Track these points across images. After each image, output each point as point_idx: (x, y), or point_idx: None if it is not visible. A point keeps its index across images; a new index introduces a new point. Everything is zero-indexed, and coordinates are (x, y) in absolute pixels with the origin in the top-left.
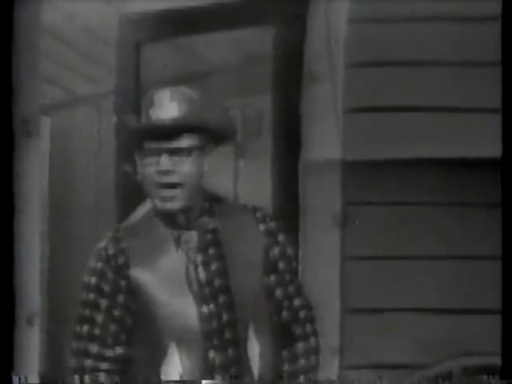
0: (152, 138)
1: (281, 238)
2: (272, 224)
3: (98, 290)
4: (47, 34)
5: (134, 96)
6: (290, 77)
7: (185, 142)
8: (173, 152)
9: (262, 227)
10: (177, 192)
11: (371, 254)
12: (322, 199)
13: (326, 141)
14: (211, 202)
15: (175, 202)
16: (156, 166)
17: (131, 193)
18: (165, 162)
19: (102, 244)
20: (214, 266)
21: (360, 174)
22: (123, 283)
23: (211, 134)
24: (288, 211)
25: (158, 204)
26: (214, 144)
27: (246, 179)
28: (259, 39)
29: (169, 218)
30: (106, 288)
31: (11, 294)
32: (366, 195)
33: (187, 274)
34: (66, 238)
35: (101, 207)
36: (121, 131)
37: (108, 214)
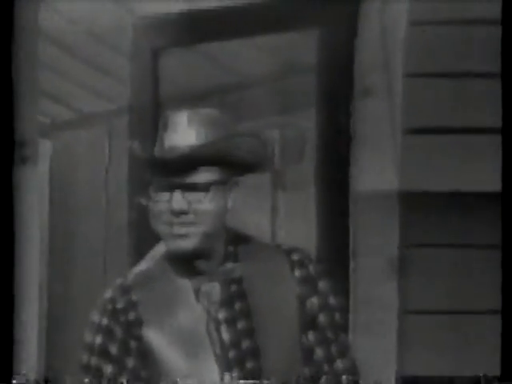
0: (163, 170)
1: (321, 285)
2: (310, 268)
3: (104, 352)
4: (49, 42)
5: (151, 114)
6: (338, 90)
7: (202, 176)
8: (188, 188)
9: (297, 273)
10: (191, 230)
11: (435, 308)
12: (376, 239)
13: (381, 168)
14: (236, 244)
15: (189, 240)
16: (168, 204)
17: (147, 231)
18: (178, 199)
19: (109, 295)
20: (240, 325)
21: (422, 208)
22: (134, 345)
23: (236, 166)
24: (335, 254)
25: (170, 244)
26: (241, 174)
27: (286, 215)
28: (301, 45)
29: (185, 264)
30: (114, 350)
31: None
32: (430, 235)
33: (209, 334)
34: (68, 288)
35: (110, 248)
36: (132, 160)
37: (119, 256)
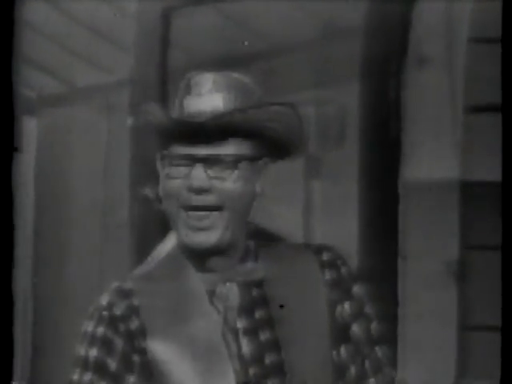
0: (182, 139)
1: (356, 289)
2: (343, 270)
3: (100, 367)
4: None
5: (158, 88)
6: (388, 59)
7: (230, 148)
8: (211, 162)
9: (328, 275)
10: (213, 219)
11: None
12: (431, 238)
13: (438, 153)
14: (256, 241)
15: (210, 233)
16: (186, 180)
17: (152, 226)
18: (199, 175)
19: (105, 300)
20: (262, 336)
21: (488, 202)
22: (136, 359)
23: (269, 142)
24: (381, 257)
25: (185, 237)
26: (273, 156)
27: (323, 208)
28: (345, 6)
29: (198, 260)
30: (112, 365)
31: None
32: (497, 235)
33: (226, 346)
34: (59, 291)
35: (109, 246)
36: (140, 128)
37: (118, 257)
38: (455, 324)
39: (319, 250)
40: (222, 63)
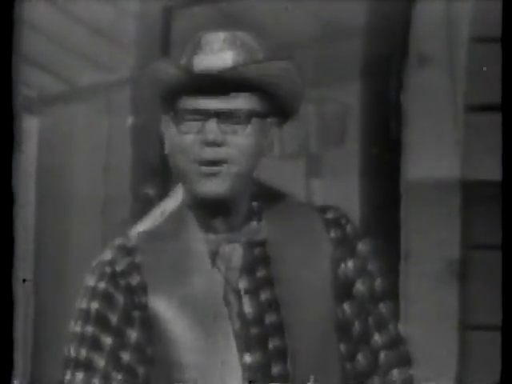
0: (196, 93)
1: (360, 247)
2: (348, 229)
3: (101, 321)
4: None
5: None
6: (388, 59)
7: (242, 103)
8: (224, 116)
9: (332, 233)
10: (224, 171)
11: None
12: (433, 237)
13: (438, 152)
14: (261, 200)
15: (220, 182)
16: (198, 135)
17: None
18: (212, 128)
19: (107, 257)
20: (263, 296)
21: (489, 201)
22: (137, 314)
23: (276, 99)
24: (383, 256)
25: (195, 185)
26: (278, 115)
27: None
28: (345, 6)
29: (205, 217)
30: (113, 319)
31: None
32: (498, 234)
33: (227, 306)
34: (61, 290)
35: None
36: (146, 86)
37: None
38: (456, 323)
39: (323, 209)
40: None
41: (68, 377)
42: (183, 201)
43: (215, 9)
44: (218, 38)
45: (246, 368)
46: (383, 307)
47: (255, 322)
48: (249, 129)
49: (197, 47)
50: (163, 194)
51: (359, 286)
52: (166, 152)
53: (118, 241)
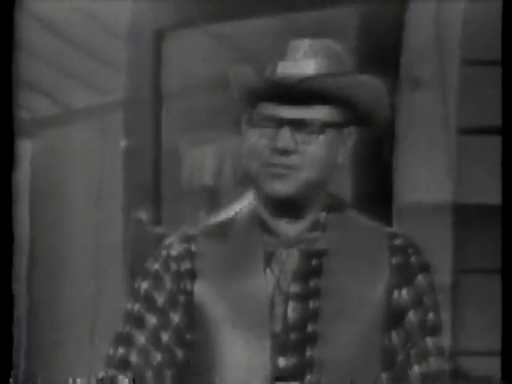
0: (272, 100)
1: (420, 279)
2: (412, 259)
3: (148, 300)
4: (29, 18)
5: (152, 109)
6: (380, 80)
7: (317, 113)
8: (298, 125)
9: (394, 260)
10: (293, 174)
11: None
12: None
13: (431, 175)
14: (329, 212)
15: (287, 183)
16: (271, 141)
17: (144, 251)
18: (285, 136)
19: (168, 241)
20: (311, 305)
21: (482, 225)
22: (182, 299)
23: (355, 111)
24: None
25: (264, 185)
26: (358, 125)
27: None
28: (336, 25)
29: (271, 218)
30: (160, 300)
31: None
32: (492, 258)
33: (272, 309)
34: (55, 311)
35: (102, 271)
36: (232, 86)
37: (112, 278)
38: (448, 350)
39: (393, 235)
40: (211, 85)
41: (111, 351)
42: (251, 203)
43: (205, 31)
44: (303, 45)
45: (277, 371)
46: (430, 341)
47: (296, 328)
48: (322, 138)
49: (283, 53)
50: (156, 217)
51: (411, 317)
52: (241, 152)
53: (183, 229)
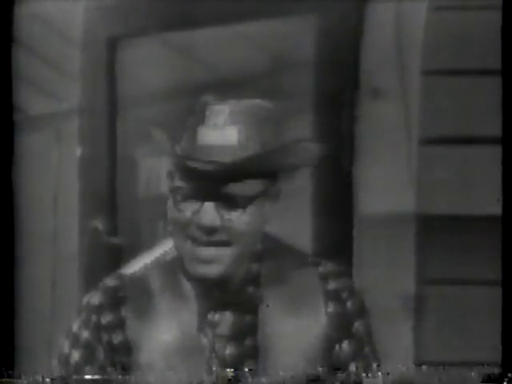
0: (194, 176)
1: (358, 326)
2: (349, 305)
3: (82, 367)
4: None
5: (107, 117)
6: (340, 91)
7: (244, 188)
8: (223, 200)
9: (330, 308)
10: (220, 254)
11: (468, 360)
12: (387, 274)
13: (393, 186)
14: (261, 259)
15: (215, 266)
16: (195, 216)
17: (100, 260)
18: (209, 213)
19: (95, 301)
20: (248, 364)
21: (445, 236)
22: (118, 367)
23: (286, 173)
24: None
25: (191, 267)
26: (285, 180)
27: None
28: (295, 35)
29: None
30: (95, 364)
31: None
32: (455, 269)
33: (209, 368)
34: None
35: (56, 281)
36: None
37: (68, 289)
38: (411, 362)
39: (326, 275)
40: (166, 95)
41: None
42: (175, 258)
43: (161, 40)
44: (223, 111)
45: None
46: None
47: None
48: (248, 212)
49: (201, 117)
50: (112, 227)
51: (353, 368)
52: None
53: (106, 283)
